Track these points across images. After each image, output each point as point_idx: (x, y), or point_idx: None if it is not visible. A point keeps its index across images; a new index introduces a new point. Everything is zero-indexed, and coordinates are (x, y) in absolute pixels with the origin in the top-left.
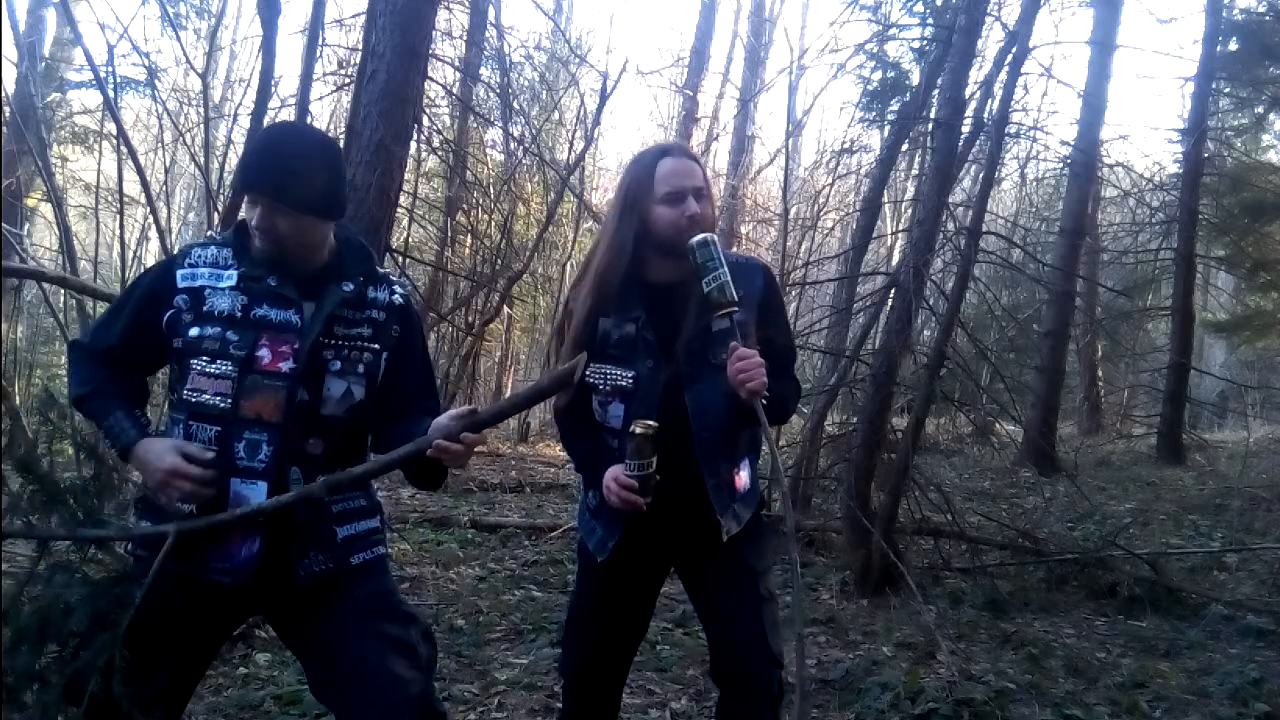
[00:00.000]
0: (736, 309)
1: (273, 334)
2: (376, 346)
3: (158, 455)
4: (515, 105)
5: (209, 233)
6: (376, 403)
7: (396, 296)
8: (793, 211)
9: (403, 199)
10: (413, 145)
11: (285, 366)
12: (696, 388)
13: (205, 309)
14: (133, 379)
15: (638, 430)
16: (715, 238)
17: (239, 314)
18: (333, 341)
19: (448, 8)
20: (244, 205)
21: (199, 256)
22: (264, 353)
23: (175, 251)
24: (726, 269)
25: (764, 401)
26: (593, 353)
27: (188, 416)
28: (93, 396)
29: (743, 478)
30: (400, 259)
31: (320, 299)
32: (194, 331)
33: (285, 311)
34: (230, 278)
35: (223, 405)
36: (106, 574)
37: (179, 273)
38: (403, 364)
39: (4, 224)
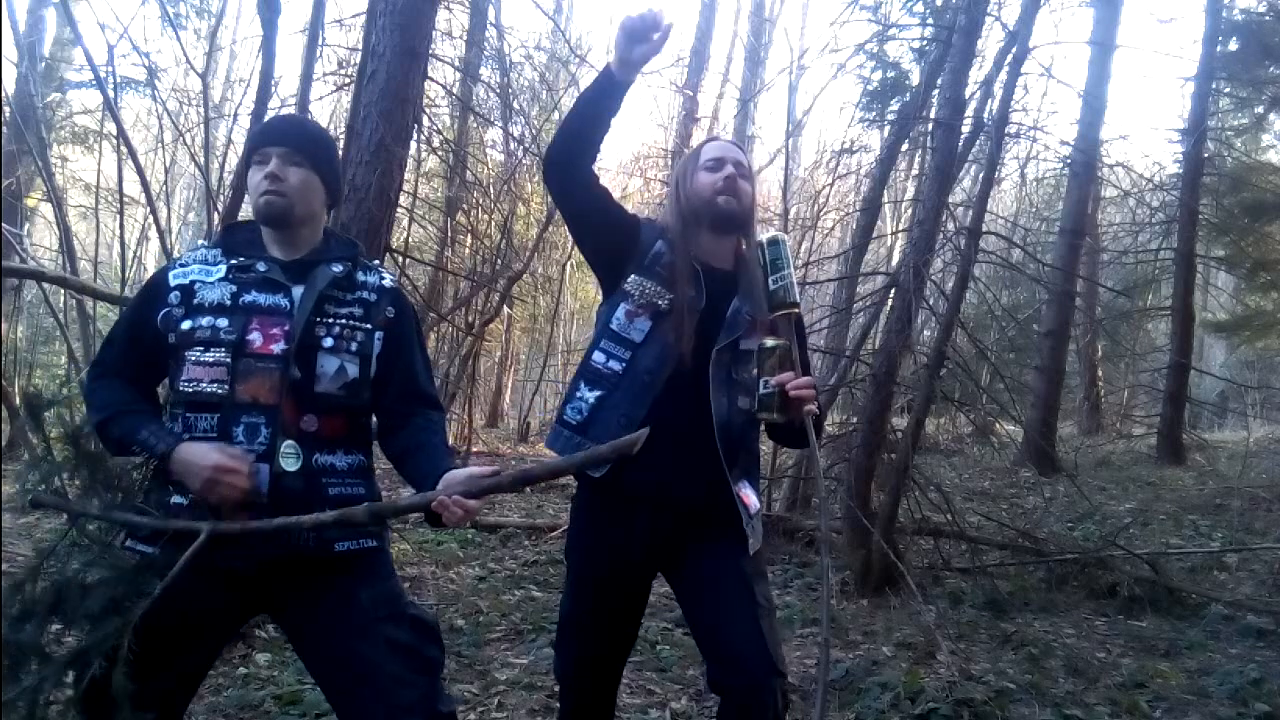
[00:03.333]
0: (797, 310)
1: (263, 317)
2: (369, 326)
3: (202, 454)
4: (515, 105)
5: (201, 241)
6: (377, 384)
7: (387, 280)
8: (793, 211)
9: (403, 199)
10: (413, 145)
11: (277, 348)
12: (719, 398)
13: (196, 302)
14: (147, 394)
15: (770, 344)
16: (787, 239)
17: (228, 302)
18: (324, 320)
19: (448, 8)
20: (251, 174)
21: (190, 257)
22: (255, 336)
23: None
24: (793, 271)
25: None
26: (639, 263)
27: (185, 409)
28: (116, 419)
29: (750, 495)
30: (400, 259)
31: (310, 280)
32: (186, 324)
33: (274, 296)
34: (219, 270)
35: (220, 391)
36: (126, 562)
37: (171, 274)
38: (399, 345)
39: (4, 224)
